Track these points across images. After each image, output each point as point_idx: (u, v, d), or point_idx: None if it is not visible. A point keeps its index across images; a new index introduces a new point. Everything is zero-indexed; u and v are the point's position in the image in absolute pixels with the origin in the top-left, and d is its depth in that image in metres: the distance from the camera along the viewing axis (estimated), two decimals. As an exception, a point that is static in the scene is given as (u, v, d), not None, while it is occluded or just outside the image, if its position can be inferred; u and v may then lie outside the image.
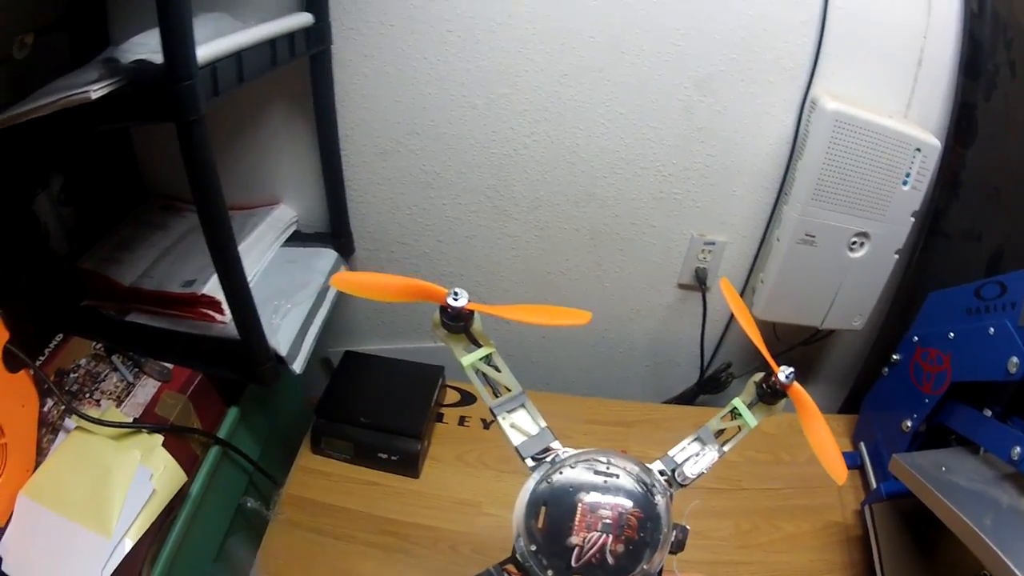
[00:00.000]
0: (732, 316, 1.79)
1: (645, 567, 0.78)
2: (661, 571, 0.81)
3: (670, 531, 0.81)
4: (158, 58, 0.94)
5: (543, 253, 1.87)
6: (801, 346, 1.94)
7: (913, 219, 1.63)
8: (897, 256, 1.68)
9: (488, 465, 1.56)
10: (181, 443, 1.27)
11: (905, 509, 1.29)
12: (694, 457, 0.88)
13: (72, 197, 1.52)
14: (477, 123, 1.64)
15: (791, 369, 0.86)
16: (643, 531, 0.79)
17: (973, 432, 1.23)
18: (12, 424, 1.10)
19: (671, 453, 0.90)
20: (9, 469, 1.10)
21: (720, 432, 0.92)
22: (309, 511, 1.45)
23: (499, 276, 1.93)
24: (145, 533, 1.13)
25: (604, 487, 0.82)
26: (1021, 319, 1.14)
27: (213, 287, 1.34)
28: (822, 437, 0.86)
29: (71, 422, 1.20)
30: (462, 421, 1.68)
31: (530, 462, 0.87)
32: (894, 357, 1.49)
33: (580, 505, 0.80)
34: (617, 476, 0.83)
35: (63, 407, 1.21)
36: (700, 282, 1.85)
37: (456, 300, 0.86)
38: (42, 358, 1.28)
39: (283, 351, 1.39)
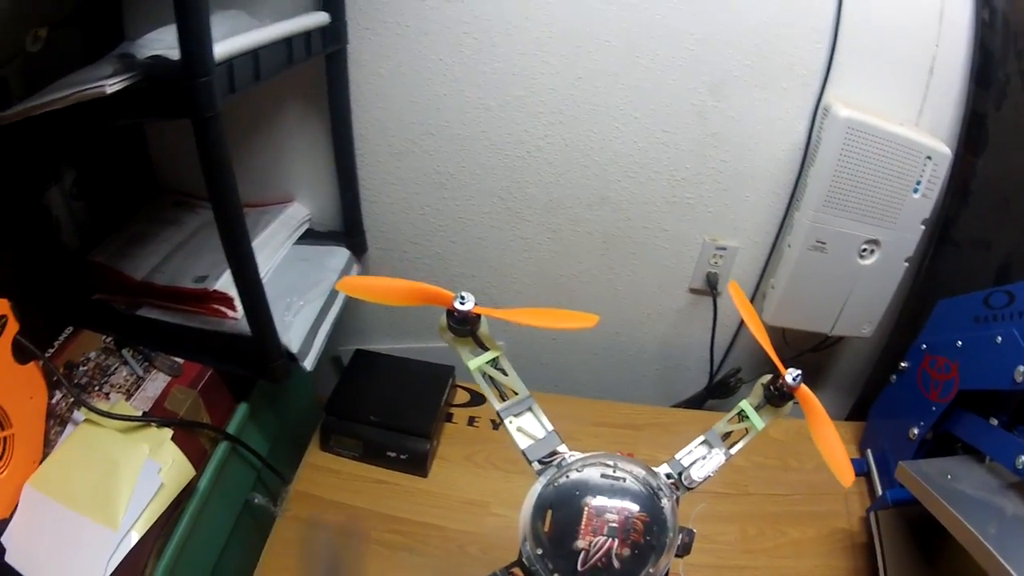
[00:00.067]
0: (742, 322, 1.79)
1: (651, 571, 0.78)
2: (667, 574, 0.81)
3: (676, 535, 0.81)
4: (175, 54, 0.95)
5: (555, 255, 1.87)
6: (810, 352, 1.93)
7: (923, 227, 1.62)
8: (907, 264, 1.68)
9: (497, 466, 1.56)
10: (190, 438, 1.27)
11: (910, 516, 1.29)
12: (701, 460, 0.88)
13: (84, 191, 1.53)
14: (491, 125, 1.65)
15: (798, 371, 0.86)
16: (649, 535, 0.79)
17: (979, 440, 1.23)
18: (20, 415, 1.10)
19: (678, 456, 0.90)
20: (16, 460, 1.10)
21: (727, 435, 0.91)
22: (317, 508, 1.46)
23: (511, 278, 1.93)
24: (152, 526, 1.13)
25: (610, 491, 0.82)
26: (1029, 328, 1.14)
27: (225, 283, 1.35)
28: (829, 440, 0.86)
29: (80, 414, 1.21)
30: (471, 421, 1.68)
31: (537, 466, 0.87)
32: (902, 364, 1.49)
33: (586, 509, 0.80)
34: (623, 480, 0.83)
35: (72, 399, 1.21)
36: (711, 287, 1.86)
37: (463, 304, 0.86)
38: (51, 350, 1.29)
39: (294, 348, 1.40)
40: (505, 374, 0.93)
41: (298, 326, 1.45)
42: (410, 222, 1.83)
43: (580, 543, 0.78)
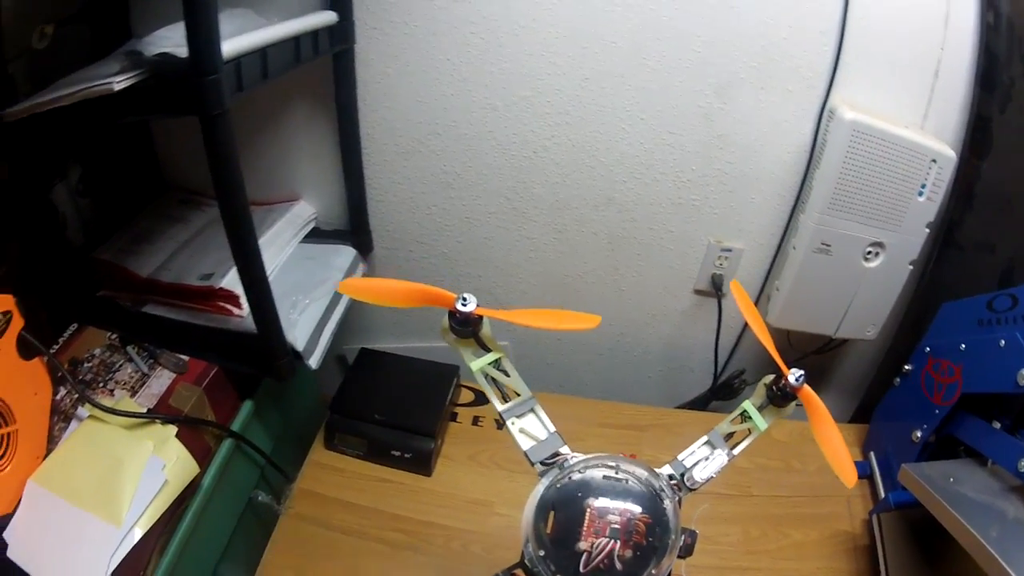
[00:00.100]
0: (747, 324, 1.79)
1: (653, 572, 0.78)
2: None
3: (678, 536, 0.81)
4: (182, 52, 0.95)
5: (561, 256, 1.87)
6: (814, 354, 1.93)
7: (927, 230, 1.62)
8: (911, 267, 1.68)
9: (500, 465, 1.57)
10: (194, 435, 1.27)
11: (913, 519, 1.29)
12: (703, 461, 0.89)
13: (90, 188, 1.53)
14: (498, 125, 1.65)
15: (801, 371, 0.86)
16: (651, 536, 0.79)
17: (981, 444, 1.23)
18: (24, 411, 1.11)
19: (680, 457, 0.90)
20: (19, 456, 1.11)
21: (730, 435, 0.92)
22: (320, 506, 1.46)
23: (517, 278, 1.93)
24: (155, 523, 1.13)
25: (612, 492, 0.82)
26: (1032, 331, 1.14)
27: (231, 281, 1.35)
28: (832, 440, 0.86)
29: (84, 411, 1.21)
30: (476, 421, 1.68)
31: (539, 467, 0.87)
32: (906, 367, 1.48)
33: (589, 510, 0.81)
34: (626, 481, 0.83)
35: (76, 395, 1.22)
36: (716, 288, 1.86)
37: (465, 305, 0.86)
38: (56, 347, 1.29)
39: (300, 346, 1.40)
40: (507, 375, 0.93)
41: (303, 324, 1.46)
42: (416, 221, 1.83)
43: (582, 544, 0.79)
